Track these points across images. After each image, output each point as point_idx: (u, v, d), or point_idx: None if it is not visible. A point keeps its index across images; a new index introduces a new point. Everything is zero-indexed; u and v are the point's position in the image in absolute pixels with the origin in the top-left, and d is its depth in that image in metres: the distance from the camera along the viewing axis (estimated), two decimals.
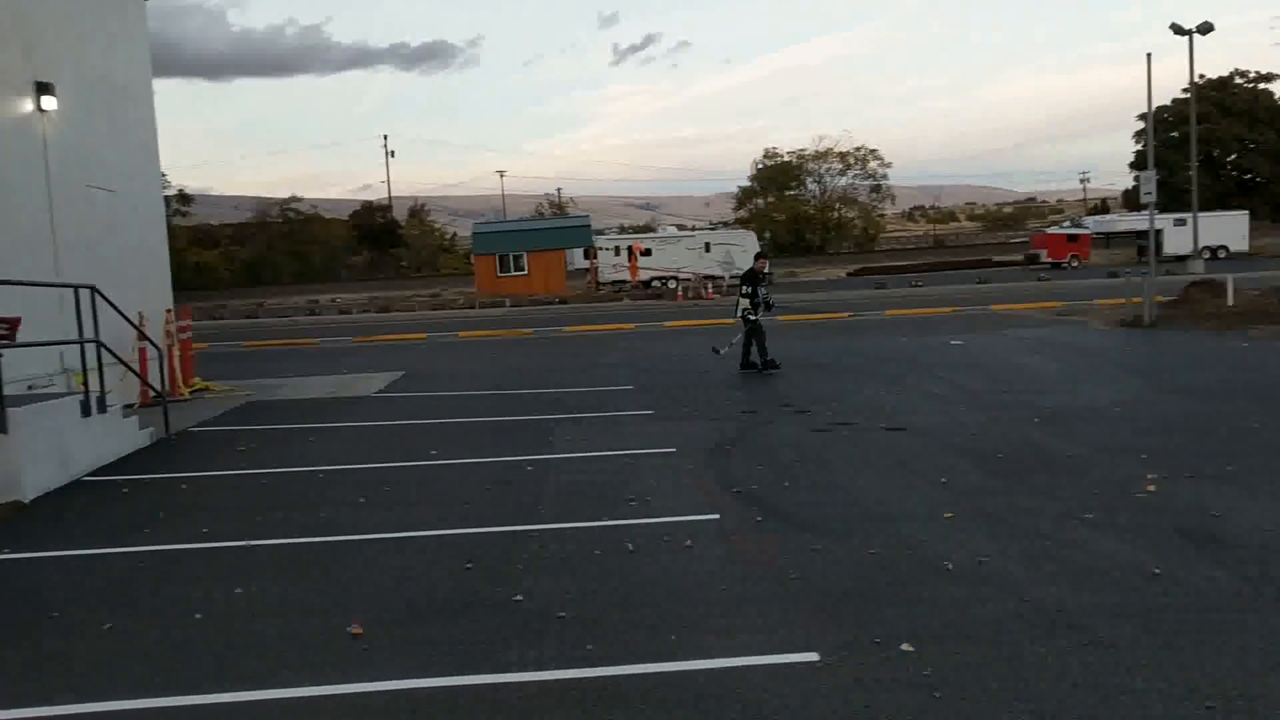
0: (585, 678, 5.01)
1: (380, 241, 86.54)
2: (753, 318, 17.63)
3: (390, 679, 5.09)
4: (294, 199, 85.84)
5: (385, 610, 6.10)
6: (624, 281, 55.58)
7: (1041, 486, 8.51)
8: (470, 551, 7.22)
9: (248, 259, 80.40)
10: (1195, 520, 7.24)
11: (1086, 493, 8.22)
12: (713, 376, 17.12)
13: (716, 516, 7.94)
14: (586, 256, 59.95)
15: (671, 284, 54.14)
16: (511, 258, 54.93)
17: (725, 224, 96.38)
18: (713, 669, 5.03)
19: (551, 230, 61.40)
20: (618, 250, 57.93)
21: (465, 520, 8.13)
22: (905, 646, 5.18)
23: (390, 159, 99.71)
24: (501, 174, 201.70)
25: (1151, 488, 8.25)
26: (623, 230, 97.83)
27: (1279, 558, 6.33)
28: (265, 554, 7.44)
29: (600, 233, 74.62)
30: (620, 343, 25.55)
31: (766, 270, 18.69)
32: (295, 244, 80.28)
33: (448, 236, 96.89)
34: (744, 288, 17.88)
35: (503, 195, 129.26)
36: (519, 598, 6.21)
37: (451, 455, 10.92)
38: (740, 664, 5.08)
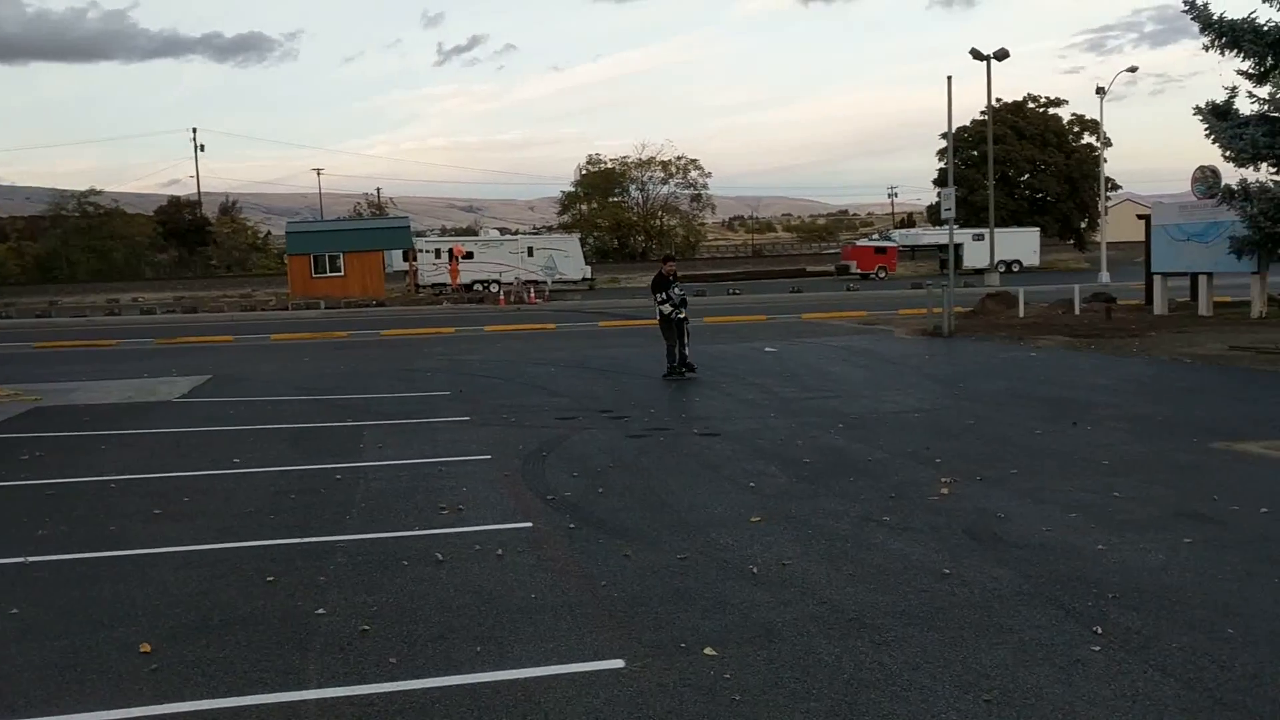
0: (387, 692, 4.90)
1: (188, 239, 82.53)
2: (680, 316, 17.30)
3: (183, 700, 4.86)
4: (93, 192, 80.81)
5: (179, 628, 5.81)
6: (444, 285, 54.88)
7: (844, 490, 8.84)
8: (272, 564, 6.97)
9: (40, 254, 75.37)
10: (982, 522, 7.66)
11: (885, 496, 8.57)
12: (532, 382, 17.08)
13: (529, 524, 7.92)
14: (406, 259, 58.88)
15: (493, 288, 53.81)
16: (327, 258, 53.33)
17: (549, 228, 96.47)
18: (518, 679, 5.00)
19: (370, 231, 60.02)
20: (438, 253, 57.19)
21: (268, 531, 7.85)
22: (709, 651, 5.28)
23: (200, 153, 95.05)
24: (319, 172, 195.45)
25: (945, 491, 8.67)
26: (444, 232, 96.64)
27: (1054, 556, 6.75)
28: (46, 571, 6.99)
29: (421, 234, 73.50)
30: (438, 347, 25.20)
31: (675, 274, 18.11)
32: (94, 239, 75.55)
33: (261, 235, 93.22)
34: (657, 295, 17.49)
35: (320, 194, 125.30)
36: (321, 611, 6.03)
37: (256, 463, 10.53)
38: (546, 673, 5.07)
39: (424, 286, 55.97)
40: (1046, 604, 5.87)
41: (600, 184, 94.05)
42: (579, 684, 4.94)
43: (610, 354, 22.03)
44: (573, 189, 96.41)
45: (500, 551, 7.16)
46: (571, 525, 7.86)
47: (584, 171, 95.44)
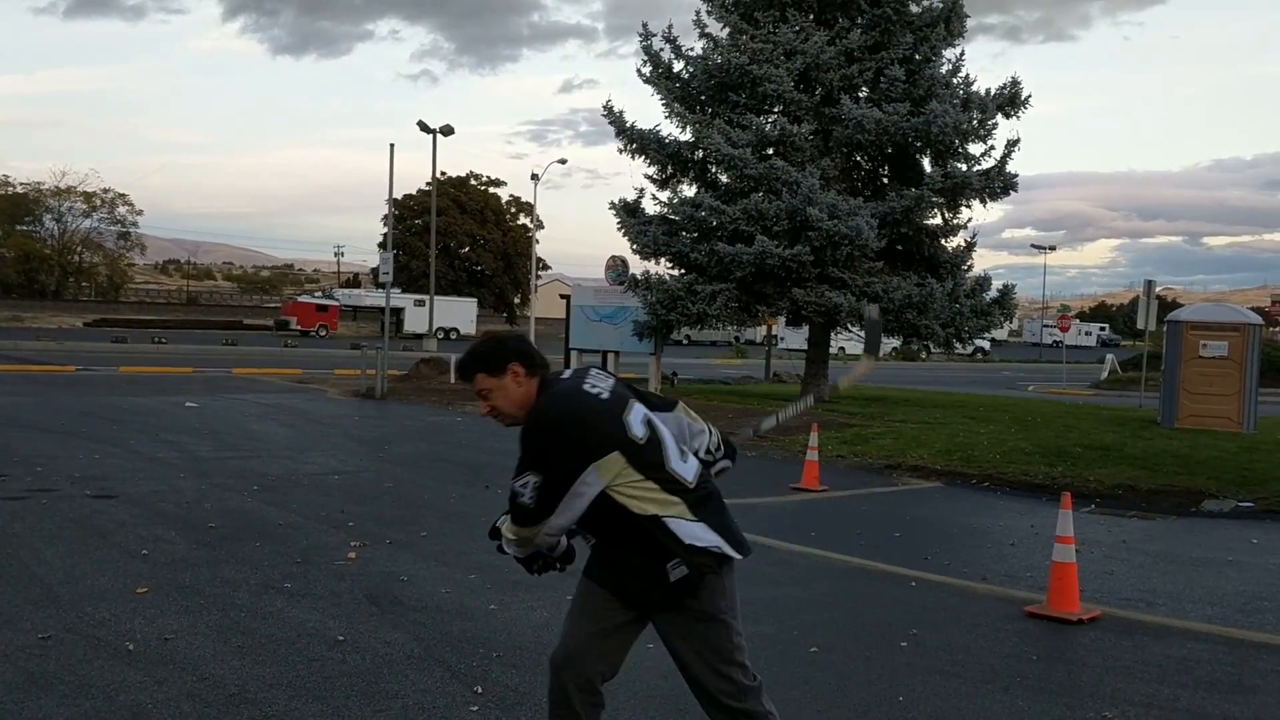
0: None
1: None
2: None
3: None
4: None
5: None
6: None
7: (248, 556, 8.44)
8: None
9: None
10: (385, 586, 7.69)
11: (291, 561, 8.32)
12: None
13: None
14: None
15: None
16: None
17: None
18: None
19: None
20: None
21: None
22: None
23: None
24: None
25: (353, 555, 8.61)
26: None
27: (449, 617, 6.94)
28: None
29: None
30: None
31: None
32: None
33: None
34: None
35: None
36: None
37: None
38: None
39: None
40: (435, 666, 6.00)
41: (7, 210, 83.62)
42: None
43: None
44: None
45: None
46: None
47: None
